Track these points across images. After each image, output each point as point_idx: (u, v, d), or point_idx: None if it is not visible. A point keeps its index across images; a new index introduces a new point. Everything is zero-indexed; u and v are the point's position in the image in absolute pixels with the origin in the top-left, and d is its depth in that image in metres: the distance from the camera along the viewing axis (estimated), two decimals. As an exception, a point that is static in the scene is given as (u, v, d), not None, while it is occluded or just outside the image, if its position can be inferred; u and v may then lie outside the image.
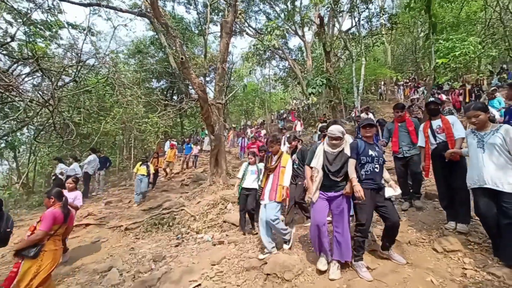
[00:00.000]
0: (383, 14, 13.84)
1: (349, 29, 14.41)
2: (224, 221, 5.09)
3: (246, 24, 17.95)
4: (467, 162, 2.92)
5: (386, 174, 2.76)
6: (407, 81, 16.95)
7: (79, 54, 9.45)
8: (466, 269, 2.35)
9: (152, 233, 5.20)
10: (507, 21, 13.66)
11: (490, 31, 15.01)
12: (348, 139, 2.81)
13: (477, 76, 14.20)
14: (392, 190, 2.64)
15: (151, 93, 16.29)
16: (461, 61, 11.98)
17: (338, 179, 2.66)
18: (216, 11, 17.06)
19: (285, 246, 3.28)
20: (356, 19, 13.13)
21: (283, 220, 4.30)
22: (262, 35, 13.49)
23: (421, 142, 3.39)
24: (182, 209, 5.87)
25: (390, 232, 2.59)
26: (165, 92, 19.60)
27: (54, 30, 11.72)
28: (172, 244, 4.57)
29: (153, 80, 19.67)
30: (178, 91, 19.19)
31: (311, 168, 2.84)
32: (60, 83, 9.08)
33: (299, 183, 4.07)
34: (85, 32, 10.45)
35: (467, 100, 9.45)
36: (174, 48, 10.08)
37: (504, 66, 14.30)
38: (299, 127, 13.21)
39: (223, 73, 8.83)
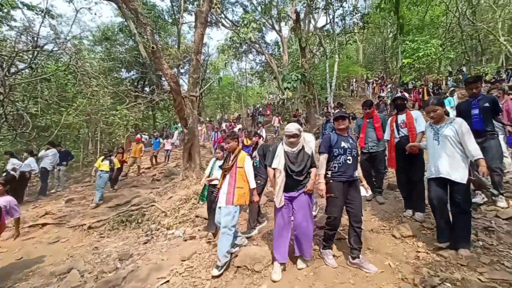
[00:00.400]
0: (356, 13, 14.30)
1: (324, 26, 14.72)
2: (197, 216, 4.98)
3: (223, 16, 17.52)
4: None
5: (359, 171, 2.73)
6: (377, 79, 17.87)
7: (35, 38, 8.57)
8: (419, 252, 2.55)
9: (119, 231, 4.94)
10: (464, 26, 14.87)
11: (450, 35, 16.28)
12: (310, 138, 2.82)
13: (437, 76, 15.38)
14: (364, 191, 2.66)
15: (120, 83, 15.33)
16: (424, 62, 12.88)
17: (301, 178, 2.62)
18: (191, 0, 16.42)
19: (215, 272, 2.80)
20: (331, 16, 13.42)
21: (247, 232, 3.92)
22: (239, 28, 13.27)
23: (387, 135, 3.59)
24: (152, 205, 5.64)
25: (353, 226, 2.57)
26: (135, 83, 18.59)
27: (5, 10, 10.49)
28: (140, 241, 4.38)
29: (122, 69, 18.54)
30: (150, 82, 18.30)
31: (274, 169, 2.71)
32: (13, 70, 8.19)
33: (258, 181, 3.80)
34: (42, 14, 9.46)
35: (425, 98, 10.23)
36: (144, 36, 9.54)
37: (463, 68, 15.64)
38: (276, 123, 13.31)
39: (197, 64, 8.55)
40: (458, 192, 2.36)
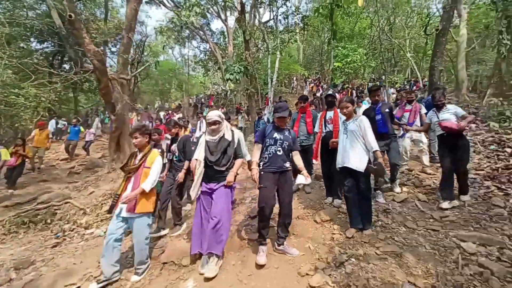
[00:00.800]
0: (297, 14, 15.04)
1: (268, 21, 15.03)
2: (124, 212, 4.52)
3: (163, -6, 16.00)
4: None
5: (299, 162, 2.76)
6: (314, 79, 19.40)
7: None
8: (334, 234, 2.88)
9: (18, 235, 4.10)
10: (383, 40, 17.36)
11: (372, 46, 18.80)
12: (237, 130, 2.84)
13: (361, 81, 17.67)
14: (303, 179, 2.70)
15: (28, 56, 12.47)
16: (351, 67, 14.60)
17: (223, 169, 2.57)
18: (124, -31, 14.40)
19: (135, 278, 2.60)
20: (275, 13, 13.78)
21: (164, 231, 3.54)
22: (180, 10, 12.35)
23: (316, 128, 3.90)
24: (66, 202, 4.86)
25: (282, 216, 2.66)
26: (50, 58, 15.45)
27: None
28: (48, 245, 3.74)
29: (32, 39, 15.11)
30: (70, 58, 15.51)
31: (196, 160, 2.60)
32: None
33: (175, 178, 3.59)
34: None
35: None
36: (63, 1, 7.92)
37: (383, 77, 18.26)
38: (221, 115, 13.04)
39: (129, 43, 7.65)
40: (361, 180, 2.76)
